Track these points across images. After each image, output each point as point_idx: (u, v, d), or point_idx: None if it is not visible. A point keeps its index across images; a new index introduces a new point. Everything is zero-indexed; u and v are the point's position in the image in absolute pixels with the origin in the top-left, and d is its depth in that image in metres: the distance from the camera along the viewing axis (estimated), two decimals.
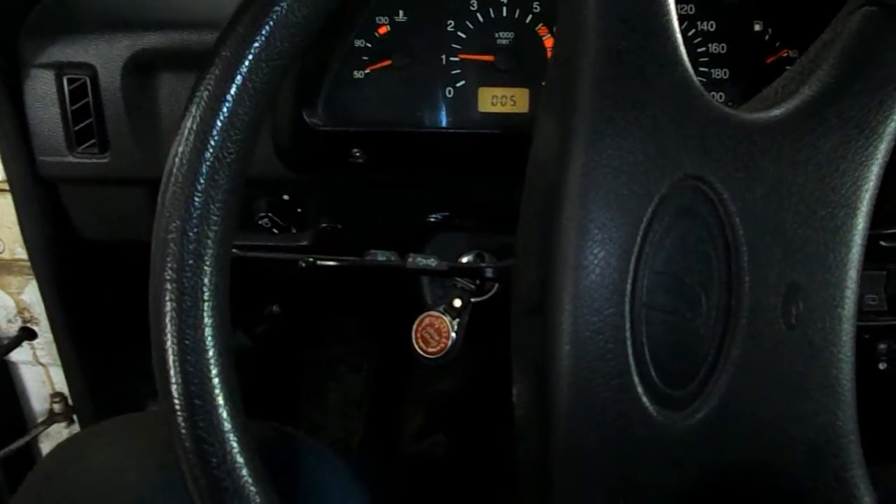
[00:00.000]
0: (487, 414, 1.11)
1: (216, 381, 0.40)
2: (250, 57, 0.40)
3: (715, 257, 0.39)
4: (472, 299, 0.74)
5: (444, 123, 0.71)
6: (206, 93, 0.40)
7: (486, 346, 0.79)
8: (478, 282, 0.71)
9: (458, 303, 0.73)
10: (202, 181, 0.40)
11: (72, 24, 0.70)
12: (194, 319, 0.40)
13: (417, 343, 0.77)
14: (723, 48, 0.71)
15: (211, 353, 0.40)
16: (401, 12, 0.71)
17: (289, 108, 0.67)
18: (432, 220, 0.78)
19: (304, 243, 0.78)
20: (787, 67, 0.70)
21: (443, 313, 0.73)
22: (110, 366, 0.92)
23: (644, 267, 0.38)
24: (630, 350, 0.38)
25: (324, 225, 0.77)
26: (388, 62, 0.71)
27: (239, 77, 0.40)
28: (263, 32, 0.41)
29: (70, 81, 0.71)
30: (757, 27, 0.71)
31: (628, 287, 0.38)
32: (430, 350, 0.76)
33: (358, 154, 0.69)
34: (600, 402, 0.38)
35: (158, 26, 0.68)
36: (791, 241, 0.39)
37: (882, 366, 0.89)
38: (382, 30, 0.71)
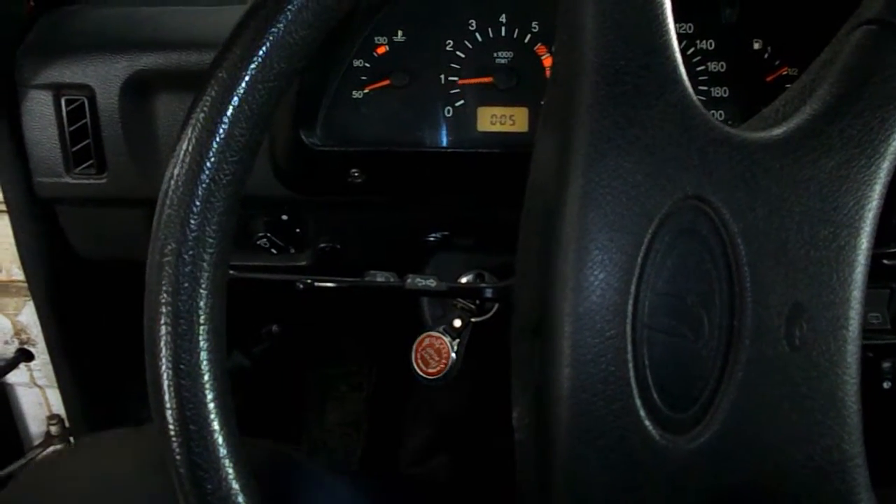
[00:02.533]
0: (489, 434, 1.10)
1: (212, 405, 0.40)
2: (247, 79, 0.40)
3: (717, 278, 0.38)
4: (473, 319, 0.73)
5: (443, 143, 0.71)
6: (202, 114, 0.40)
7: (487, 365, 0.78)
8: (478, 302, 0.70)
9: (458, 323, 0.73)
10: (198, 203, 0.40)
11: (69, 45, 0.70)
12: (189, 343, 0.39)
13: (417, 364, 0.76)
14: (722, 66, 0.71)
15: (206, 377, 0.40)
16: (399, 32, 0.71)
17: (287, 128, 0.67)
18: (432, 239, 0.78)
19: (303, 263, 0.77)
20: (788, 86, 0.71)
21: (443, 333, 0.73)
22: (108, 387, 0.92)
23: (645, 288, 0.38)
24: (631, 373, 0.38)
25: (323, 245, 0.77)
26: (386, 82, 0.71)
27: (235, 99, 0.40)
28: (260, 54, 0.40)
29: (68, 102, 0.70)
30: (756, 45, 0.71)
31: (629, 309, 0.38)
32: (430, 371, 0.76)
33: (356, 174, 0.69)
34: (601, 425, 0.37)
35: (156, 47, 0.68)
36: (794, 262, 0.39)
37: (886, 385, 0.88)
38: (381, 50, 0.71)
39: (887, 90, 0.40)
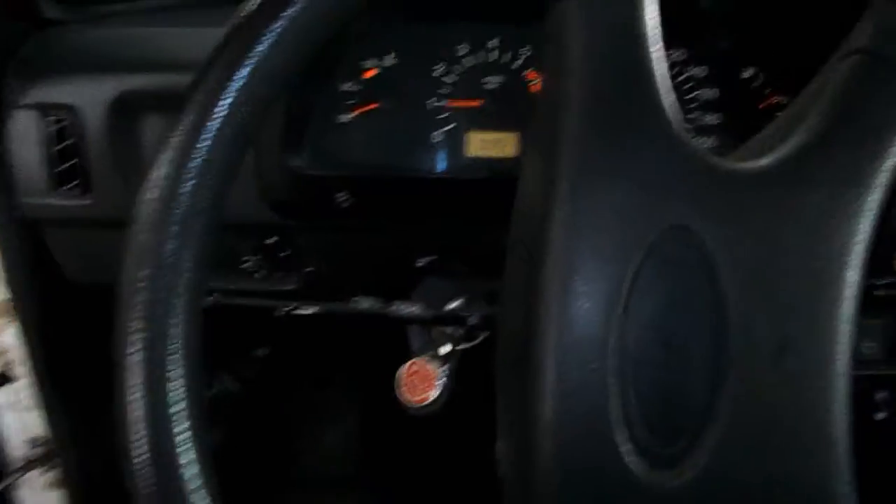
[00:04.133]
0: (480, 463, 1.08)
1: (184, 437, 0.39)
2: (226, 103, 0.39)
3: (703, 310, 0.38)
4: (460, 346, 0.72)
5: (431, 167, 0.71)
6: (179, 138, 0.39)
7: (475, 393, 0.77)
8: (465, 328, 0.70)
9: (445, 350, 0.72)
10: (173, 229, 0.39)
11: (56, 65, 0.70)
12: (162, 373, 0.38)
13: (403, 391, 0.75)
14: (715, 93, 0.71)
15: (180, 407, 0.39)
16: (389, 56, 0.71)
17: (273, 151, 0.66)
18: (421, 264, 0.77)
19: (291, 287, 0.76)
20: (779, 114, 0.71)
21: (430, 360, 0.72)
22: (92, 411, 0.90)
23: (631, 320, 0.37)
24: (616, 407, 0.37)
25: (310, 269, 0.76)
26: (375, 105, 0.70)
27: (213, 123, 0.39)
28: (240, 77, 0.40)
29: (54, 122, 0.70)
30: (749, 73, 0.71)
31: (614, 341, 0.37)
32: (416, 398, 0.75)
33: (344, 198, 0.68)
34: (586, 461, 0.37)
35: (144, 67, 0.68)
36: (781, 295, 0.38)
37: (880, 416, 0.87)
38: (370, 73, 0.71)
39: (875, 122, 0.39)
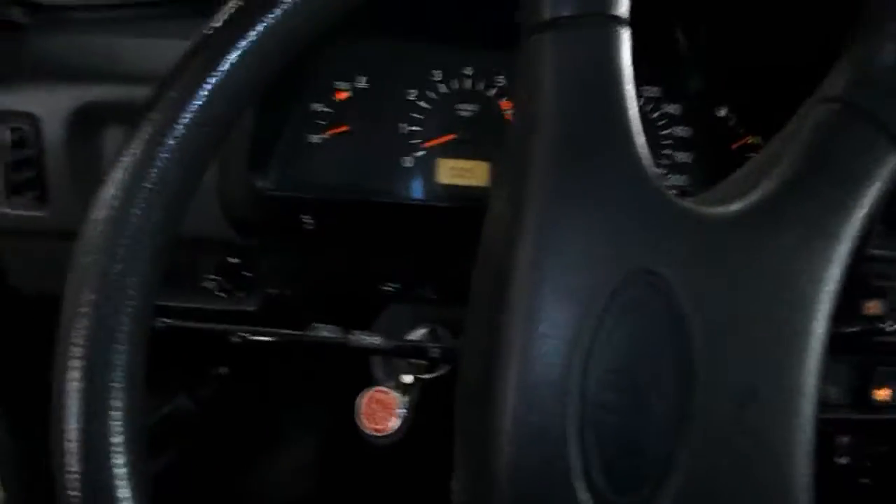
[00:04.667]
0: (438, 496, 1.07)
1: (121, 471, 0.37)
2: (183, 122, 0.38)
3: (668, 355, 0.37)
4: (423, 376, 0.71)
5: (400, 194, 0.69)
6: (131, 157, 0.37)
7: (437, 424, 0.75)
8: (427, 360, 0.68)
9: (407, 379, 0.71)
10: (120, 252, 0.37)
11: (16, 72, 0.68)
12: (101, 402, 0.36)
13: (363, 420, 0.74)
14: (688, 132, 0.70)
15: (118, 439, 0.37)
16: (361, 78, 0.70)
17: (238, 169, 0.64)
18: (388, 289, 0.75)
19: (251, 309, 0.75)
20: (752, 154, 0.70)
21: (391, 389, 0.70)
22: (41, 429, 0.87)
23: (593, 363, 0.36)
24: (575, 451, 0.36)
25: (272, 291, 0.74)
26: (345, 128, 0.69)
27: (168, 142, 0.38)
28: (201, 95, 0.38)
29: (12, 131, 0.68)
30: (722, 113, 0.71)
31: (575, 384, 0.36)
32: (376, 427, 0.73)
33: (308, 221, 0.66)
34: None
35: (107, 78, 0.66)
36: (747, 343, 0.37)
37: (842, 460, 0.87)
38: (342, 95, 0.70)
39: (846, 171, 0.39)
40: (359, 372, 0.76)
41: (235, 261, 0.73)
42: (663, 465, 0.36)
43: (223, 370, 1.13)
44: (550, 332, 0.36)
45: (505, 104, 0.70)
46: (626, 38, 0.38)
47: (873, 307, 0.69)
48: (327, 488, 1.20)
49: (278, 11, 0.38)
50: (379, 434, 0.73)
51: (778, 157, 0.41)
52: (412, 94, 0.69)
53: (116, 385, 0.37)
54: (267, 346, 0.64)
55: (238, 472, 1.21)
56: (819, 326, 0.38)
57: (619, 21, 0.38)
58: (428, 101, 0.69)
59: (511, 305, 0.36)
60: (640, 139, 0.38)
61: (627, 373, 0.36)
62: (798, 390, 0.37)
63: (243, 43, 0.38)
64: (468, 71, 0.70)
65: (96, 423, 0.36)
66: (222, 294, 0.74)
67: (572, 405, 0.36)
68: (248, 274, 0.74)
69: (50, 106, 0.66)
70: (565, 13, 0.38)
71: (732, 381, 0.37)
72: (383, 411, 0.70)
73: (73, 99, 0.66)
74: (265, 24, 0.38)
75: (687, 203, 0.38)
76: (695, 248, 0.37)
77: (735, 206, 0.38)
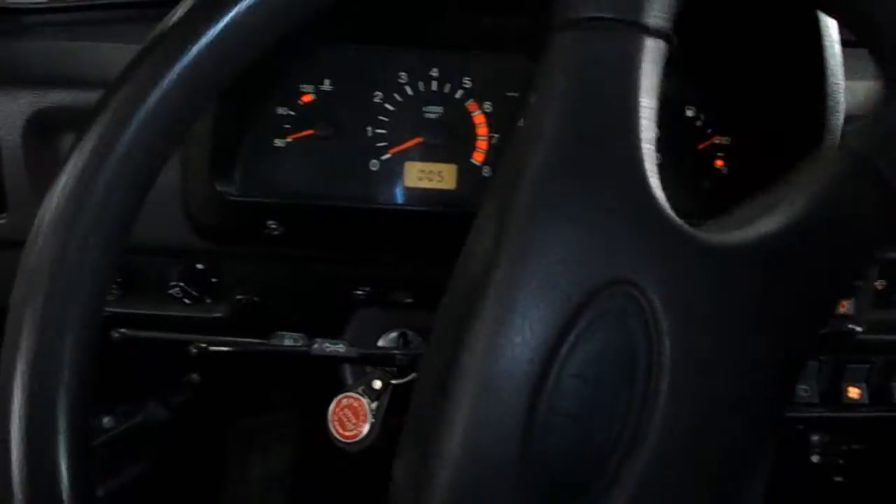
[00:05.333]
0: None
1: (66, 480, 0.36)
2: (133, 127, 0.37)
3: (633, 372, 0.36)
4: (393, 381, 0.70)
5: (367, 197, 0.69)
6: (81, 160, 0.36)
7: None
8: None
9: (377, 384, 0.70)
10: (68, 259, 0.36)
11: None
12: (46, 410, 0.35)
13: (333, 426, 0.73)
14: (655, 132, 0.70)
15: (62, 448, 0.36)
16: (326, 81, 0.69)
17: (201, 175, 0.63)
18: (359, 294, 0.74)
19: (219, 315, 0.73)
20: (719, 154, 0.70)
21: (361, 395, 0.69)
22: None
23: (556, 366, 0.35)
24: (521, 449, 0.35)
25: (240, 297, 0.73)
26: (310, 132, 0.68)
27: (119, 147, 0.36)
28: (152, 95, 0.37)
29: None
30: (689, 113, 0.71)
31: (534, 383, 0.35)
32: (347, 433, 0.72)
33: (274, 226, 0.65)
34: (478, 498, 0.35)
35: (67, 84, 0.65)
36: (716, 374, 0.36)
37: (815, 458, 0.87)
38: (307, 98, 0.69)
39: (853, 224, 0.38)
40: (330, 378, 0.75)
41: (202, 267, 0.72)
42: (611, 477, 0.35)
43: (195, 377, 1.11)
44: (521, 327, 0.35)
45: (472, 106, 0.69)
46: (653, 48, 0.37)
47: (844, 307, 0.69)
48: (300, 495, 1.19)
49: (230, 15, 0.37)
50: (350, 440, 0.72)
51: (784, 197, 0.39)
52: (378, 97, 0.69)
53: (61, 392, 0.36)
54: (230, 356, 0.63)
55: (211, 480, 1.20)
56: (790, 380, 0.37)
57: (648, 31, 0.37)
58: (394, 103, 0.69)
59: (487, 296, 0.35)
60: (650, 153, 0.37)
61: (590, 381, 0.36)
62: (760, 425, 0.37)
63: (193, 45, 0.37)
64: (434, 73, 0.69)
65: (39, 430, 0.35)
66: (188, 301, 0.73)
67: (528, 403, 0.35)
68: (215, 280, 0.73)
69: (6, 112, 0.65)
70: (594, 14, 0.36)
71: (695, 411, 0.36)
72: (354, 417, 0.69)
73: (29, 104, 0.65)
74: (217, 26, 0.37)
75: (686, 226, 0.37)
76: (685, 270, 0.36)
77: (735, 238, 0.37)
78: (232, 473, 1.22)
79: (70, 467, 0.36)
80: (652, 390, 0.35)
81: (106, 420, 1.00)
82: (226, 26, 0.37)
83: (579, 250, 0.35)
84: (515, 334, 0.35)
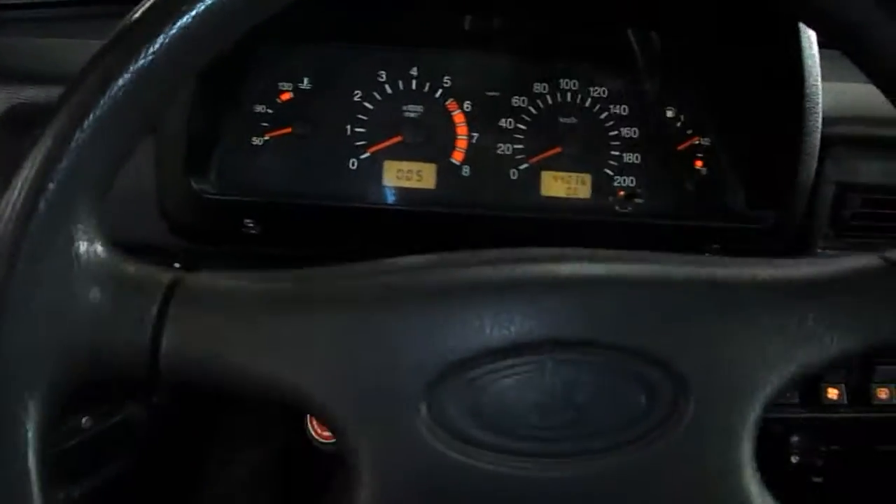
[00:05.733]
0: None
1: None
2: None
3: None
4: None
5: (346, 196, 0.68)
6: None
7: None
8: None
9: None
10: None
11: None
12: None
13: (312, 427, 0.72)
14: (635, 132, 0.70)
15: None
16: (305, 79, 0.68)
17: (176, 173, 0.62)
18: None
19: None
20: (699, 155, 0.70)
21: None
22: None
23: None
24: None
25: None
26: (288, 130, 0.67)
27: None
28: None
29: None
30: (670, 113, 0.71)
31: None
32: (325, 434, 0.72)
33: (251, 225, 0.65)
34: None
35: (37, 79, 0.64)
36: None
37: (794, 459, 0.87)
38: (285, 96, 0.68)
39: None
40: None
41: (179, 266, 0.72)
42: None
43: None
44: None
45: (452, 105, 0.69)
46: None
47: None
48: (280, 494, 1.18)
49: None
50: (328, 441, 0.72)
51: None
52: (357, 96, 0.68)
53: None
54: None
55: (190, 479, 1.19)
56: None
57: None
58: (373, 102, 0.68)
59: None
60: None
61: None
62: None
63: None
64: (414, 72, 0.69)
65: None
66: None
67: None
68: None
69: None
70: None
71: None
72: None
73: (3, 101, 0.64)
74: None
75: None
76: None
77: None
78: (211, 473, 1.21)
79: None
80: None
81: (84, 420, 0.99)
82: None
83: None
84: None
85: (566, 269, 0.36)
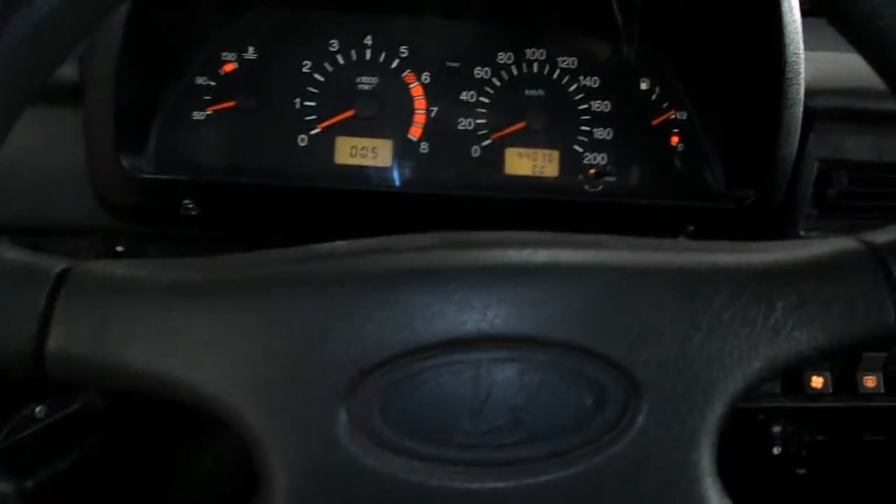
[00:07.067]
0: None
1: None
2: None
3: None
4: None
5: (294, 175, 0.63)
6: None
7: None
8: None
9: None
10: None
11: None
12: None
13: None
14: (606, 106, 0.66)
15: None
16: (250, 49, 0.63)
17: (106, 150, 0.58)
18: None
19: None
20: (675, 130, 0.66)
21: None
22: None
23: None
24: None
25: None
26: (232, 103, 0.63)
27: None
28: None
29: None
30: (644, 85, 0.66)
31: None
32: None
33: (190, 206, 0.60)
34: None
35: None
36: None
37: (777, 450, 0.84)
38: (228, 67, 0.63)
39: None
40: None
41: (122, 249, 0.67)
42: None
43: None
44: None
45: (409, 77, 0.64)
46: None
47: None
48: (249, 484, 1.15)
49: None
50: None
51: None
52: (307, 66, 0.64)
53: None
54: None
55: (156, 469, 1.15)
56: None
57: None
58: (324, 73, 0.64)
59: None
60: None
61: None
62: None
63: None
64: (368, 41, 0.64)
65: None
66: None
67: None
68: None
69: None
70: None
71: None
72: None
73: None
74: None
75: None
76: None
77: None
78: (179, 462, 1.18)
79: None
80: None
81: (38, 409, 0.95)
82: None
83: None
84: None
85: (504, 256, 0.32)
